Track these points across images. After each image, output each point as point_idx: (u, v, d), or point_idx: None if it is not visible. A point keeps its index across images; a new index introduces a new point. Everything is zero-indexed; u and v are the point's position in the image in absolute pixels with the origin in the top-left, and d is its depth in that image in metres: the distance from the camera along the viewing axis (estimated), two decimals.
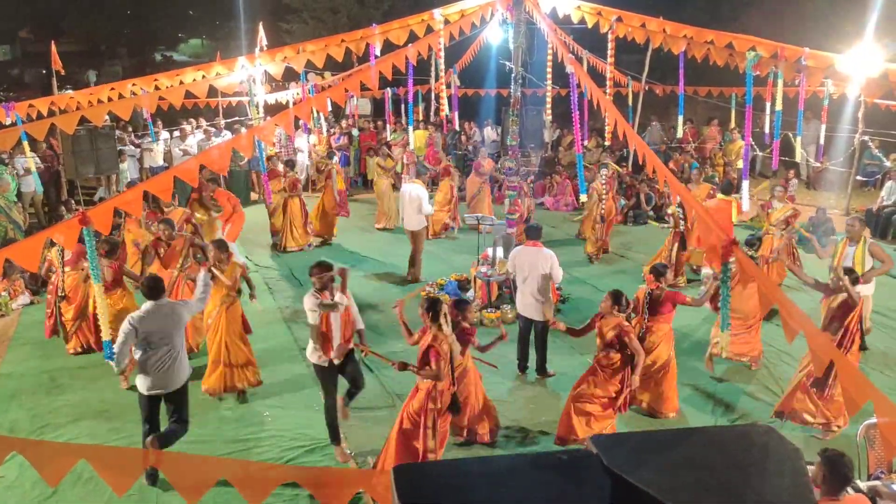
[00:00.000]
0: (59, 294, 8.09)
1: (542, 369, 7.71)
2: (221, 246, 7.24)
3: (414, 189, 10.62)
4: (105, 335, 6.04)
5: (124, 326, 5.55)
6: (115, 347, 5.58)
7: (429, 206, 10.65)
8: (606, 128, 11.20)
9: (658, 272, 6.84)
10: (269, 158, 13.22)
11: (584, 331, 6.57)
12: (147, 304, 5.63)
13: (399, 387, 7.34)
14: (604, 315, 6.30)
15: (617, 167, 13.17)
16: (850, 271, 6.74)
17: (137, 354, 5.60)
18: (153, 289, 5.68)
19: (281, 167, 12.60)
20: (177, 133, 15.66)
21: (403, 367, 5.66)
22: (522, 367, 7.76)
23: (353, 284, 10.34)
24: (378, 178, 13.90)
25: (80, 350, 8.13)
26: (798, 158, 11.82)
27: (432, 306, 5.62)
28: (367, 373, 7.69)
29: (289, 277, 10.92)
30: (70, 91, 14.65)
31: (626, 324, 6.22)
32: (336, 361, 6.07)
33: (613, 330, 6.15)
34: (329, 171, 13.01)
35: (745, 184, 10.39)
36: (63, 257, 8.01)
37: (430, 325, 5.60)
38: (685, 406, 7.04)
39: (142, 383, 5.65)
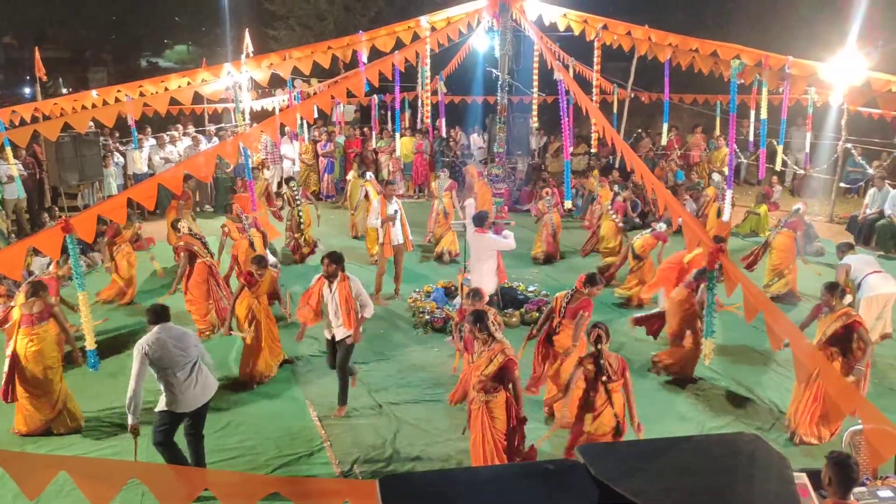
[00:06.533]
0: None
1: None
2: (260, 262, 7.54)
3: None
4: (90, 344, 5.99)
5: (136, 355, 5.44)
6: (130, 388, 5.34)
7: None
8: (593, 135, 11.27)
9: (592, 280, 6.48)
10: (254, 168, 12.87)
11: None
12: (154, 329, 5.57)
13: (384, 394, 7.30)
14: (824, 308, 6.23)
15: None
16: (834, 286, 6.36)
17: (161, 383, 5.52)
18: (159, 314, 5.66)
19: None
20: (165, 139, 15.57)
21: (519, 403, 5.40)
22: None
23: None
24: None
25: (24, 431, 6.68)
26: (778, 166, 11.93)
27: (479, 319, 5.33)
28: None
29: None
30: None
31: (855, 313, 6.10)
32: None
33: (839, 320, 6.05)
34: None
35: (729, 192, 10.44)
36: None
37: (489, 339, 5.33)
38: (673, 415, 6.99)
39: (170, 403, 5.56)
